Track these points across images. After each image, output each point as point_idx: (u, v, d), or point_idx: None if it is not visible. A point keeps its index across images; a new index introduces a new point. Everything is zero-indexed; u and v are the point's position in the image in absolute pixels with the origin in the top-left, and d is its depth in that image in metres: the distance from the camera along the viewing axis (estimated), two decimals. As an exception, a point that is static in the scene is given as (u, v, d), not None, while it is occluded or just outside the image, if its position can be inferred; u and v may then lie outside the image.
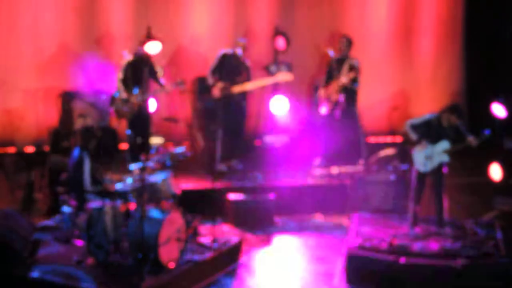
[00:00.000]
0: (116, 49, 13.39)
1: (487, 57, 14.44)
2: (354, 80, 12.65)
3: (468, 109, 14.40)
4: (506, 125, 12.44)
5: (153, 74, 12.33)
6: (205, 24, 14.19)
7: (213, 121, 12.84)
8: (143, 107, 12.17)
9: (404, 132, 10.99)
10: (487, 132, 10.06)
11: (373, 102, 14.41)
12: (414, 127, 10.40)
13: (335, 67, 12.82)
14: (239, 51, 12.89)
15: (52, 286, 8.76)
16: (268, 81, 13.29)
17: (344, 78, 12.64)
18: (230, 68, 12.78)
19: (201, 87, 13.41)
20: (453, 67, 14.83)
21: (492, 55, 14.39)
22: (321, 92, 12.95)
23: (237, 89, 12.76)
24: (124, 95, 12.14)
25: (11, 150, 13.35)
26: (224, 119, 12.70)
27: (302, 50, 14.35)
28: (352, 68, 12.67)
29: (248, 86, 12.88)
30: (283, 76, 13.18)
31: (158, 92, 12.42)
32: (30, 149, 13.42)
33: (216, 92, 12.74)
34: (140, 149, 11.24)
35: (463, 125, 10.23)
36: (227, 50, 12.99)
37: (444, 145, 10.24)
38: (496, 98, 11.88)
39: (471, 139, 10.12)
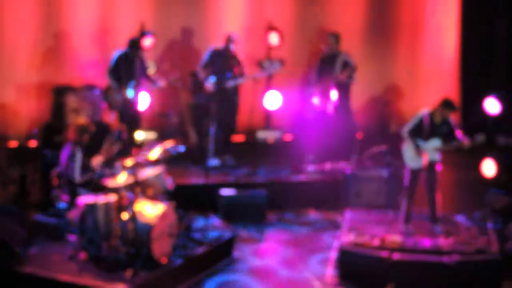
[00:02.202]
0: (110, 43, 13.37)
1: (481, 54, 14.42)
2: (350, 77, 12.61)
3: (462, 105, 14.40)
4: (499, 121, 12.45)
5: (143, 70, 12.31)
6: (199, 19, 14.16)
7: (206, 116, 12.82)
8: (133, 101, 12.16)
9: (397, 129, 10.99)
10: (477, 138, 10.08)
11: (366, 98, 14.42)
12: (412, 133, 10.36)
13: (327, 64, 12.78)
14: (230, 45, 12.85)
15: (44, 281, 8.77)
16: (260, 74, 13.31)
17: (339, 75, 12.60)
18: (221, 63, 12.75)
19: (194, 82, 13.38)
20: (447, 63, 14.82)
21: (487, 51, 14.37)
22: (314, 89, 12.90)
23: (230, 83, 12.72)
24: (114, 85, 12.15)
25: (4, 144, 13.31)
26: (216, 115, 12.67)
27: (295, 45, 14.34)
28: (346, 64, 12.64)
29: (240, 80, 12.84)
30: (275, 67, 13.23)
31: (153, 88, 12.42)
32: (22, 144, 13.38)
33: (209, 87, 12.70)
34: (131, 144, 11.25)
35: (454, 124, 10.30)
36: (218, 45, 12.94)
37: (436, 143, 10.25)
38: (490, 93, 11.90)
39: (466, 142, 10.13)
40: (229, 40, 12.84)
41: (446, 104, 10.22)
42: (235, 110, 13.05)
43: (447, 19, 14.70)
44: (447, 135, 10.25)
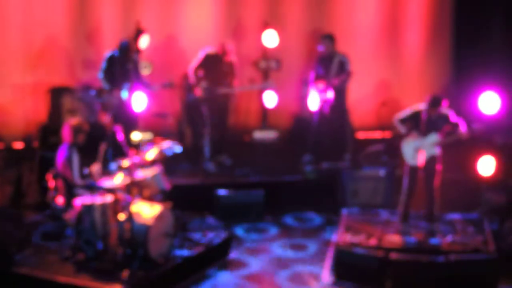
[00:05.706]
0: (105, 43, 13.35)
1: (476, 50, 14.36)
2: (344, 81, 12.53)
3: (457, 102, 14.37)
4: (496, 119, 12.37)
5: (136, 73, 12.16)
6: (195, 18, 14.11)
7: (199, 116, 12.74)
8: (128, 102, 12.09)
9: (393, 127, 11.01)
10: (474, 126, 10.11)
11: (362, 97, 14.37)
12: (403, 121, 10.46)
13: (323, 65, 12.68)
14: (225, 54, 12.63)
15: (40, 282, 8.77)
16: (253, 87, 13.31)
17: (334, 79, 12.48)
18: (214, 70, 12.56)
19: (187, 82, 13.28)
20: (442, 60, 14.81)
21: (481, 48, 14.31)
22: (310, 89, 12.82)
23: (221, 90, 12.55)
24: (106, 86, 12.04)
25: (0, 145, 13.31)
26: (208, 116, 12.58)
27: (291, 45, 14.31)
28: (343, 66, 12.52)
29: (232, 90, 12.69)
30: (269, 85, 13.21)
31: (148, 90, 12.32)
32: (18, 145, 13.37)
33: (199, 92, 12.52)
34: (127, 145, 11.21)
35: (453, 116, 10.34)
36: (211, 49, 12.76)
37: (433, 138, 10.27)
38: (487, 89, 11.71)
39: (464, 132, 10.16)
40: (223, 48, 12.62)
41: (433, 102, 10.27)
42: (226, 109, 12.92)
43: (441, 15, 14.68)
44: (444, 129, 10.28)
